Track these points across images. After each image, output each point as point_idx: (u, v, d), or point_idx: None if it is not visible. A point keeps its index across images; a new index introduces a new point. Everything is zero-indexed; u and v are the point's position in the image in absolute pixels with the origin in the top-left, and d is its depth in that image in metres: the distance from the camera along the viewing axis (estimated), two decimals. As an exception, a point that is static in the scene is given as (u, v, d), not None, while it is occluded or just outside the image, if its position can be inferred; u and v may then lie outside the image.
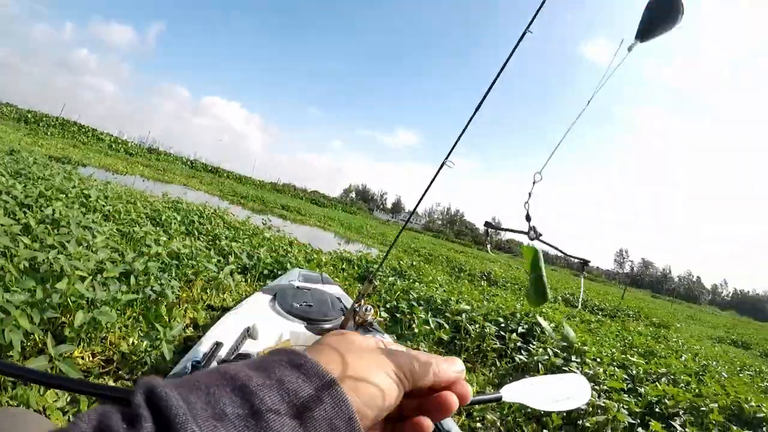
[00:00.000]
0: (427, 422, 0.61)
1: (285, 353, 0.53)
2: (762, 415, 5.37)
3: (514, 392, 1.82)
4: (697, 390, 6.17)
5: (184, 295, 5.74)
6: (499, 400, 1.63)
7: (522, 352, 6.59)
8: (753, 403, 5.62)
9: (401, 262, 14.40)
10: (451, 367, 0.66)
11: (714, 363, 10.35)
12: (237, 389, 0.46)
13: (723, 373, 8.84)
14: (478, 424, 4.69)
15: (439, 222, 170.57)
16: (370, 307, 2.77)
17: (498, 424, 4.68)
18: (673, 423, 4.90)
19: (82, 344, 3.81)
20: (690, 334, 20.74)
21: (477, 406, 4.80)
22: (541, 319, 1.30)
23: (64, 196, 8.11)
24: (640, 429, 4.65)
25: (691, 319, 38.79)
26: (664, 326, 20.70)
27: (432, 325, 6.67)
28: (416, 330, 6.57)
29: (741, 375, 9.83)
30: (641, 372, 6.58)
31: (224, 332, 2.77)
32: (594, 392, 5.10)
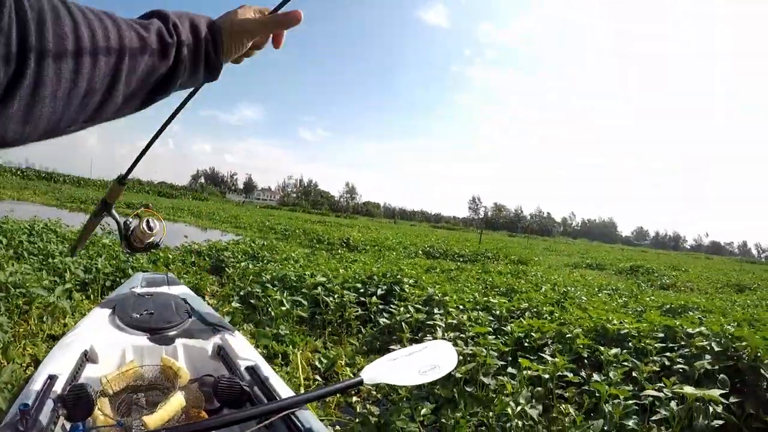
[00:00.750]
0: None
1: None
2: (625, 330, 5.57)
3: (376, 372, 1.66)
4: (560, 318, 6.34)
5: (21, 329, 5.24)
6: (360, 384, 1.46)
7: (384, 314, 6.49)
8: (615, 322, 5.83)
9: (253, 243, 14.06)
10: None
11: (573, 289, 10.79)
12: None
13: (582, 297, 9.22)
14: (354, 398, 4.60)
15: (294, 195, 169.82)
16: (150, 219, 2.04)
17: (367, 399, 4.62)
18: (543, 355, 4.97)
19: None
20: (548, 266, 21.67)
21: (338, 394, 4.74)
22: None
23: None
24: (510, 368, 4.70)
25: (548, 250, 40.75)
26: (523, 263, 21.49)
27: (288, 305, 6.49)
28: (273, 313, 6.37)
29: (600, 295, 10.39)
30: (504, 311, 6.69)
31: (59, 362, 2.45)
32: (460, 341, 5.11)
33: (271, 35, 1.05)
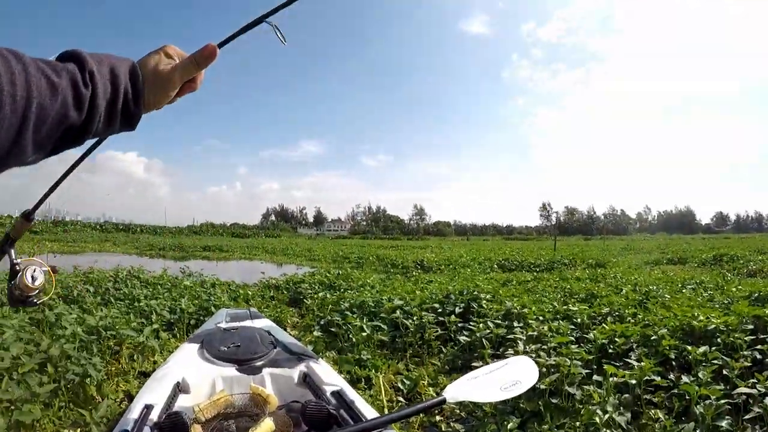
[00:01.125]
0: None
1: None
2: (712, 326, 5.38)
3: (458, 391, 1.70)
4: (644, 320, 6.21)
5: (114, 368, 5.49)
6: (443, 403, 1.50)
7: (464, 332, 6.48)
8: (701, 318, 5.63)
9: (329, 273, 14.21)
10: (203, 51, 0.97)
11: (655, 287, 10.49)
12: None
13: (665, 295, 8.96)
14: (438, 417, 4.60)
15: (364, 223, 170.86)
16: (36, 269, 1.61)
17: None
18: (628, 360, 4.88)
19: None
20: (627, 266, 21.22)
21: (422, 414, 4.75)
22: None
23: (-33, 301, 7.68)
24: (595, 376, 4.60)
25: (625, 250, 39.83)
26: (601, 265, 21.15)
27: (368, 330, 6.57)
28: (354, 339, 6.44)
29: (683, 291, 10.04)
30: (585, 318, 6.59)
31: (154, 393, 2.58)
32: (543, 352, 5.06)
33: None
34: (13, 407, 3.75)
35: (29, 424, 3.66)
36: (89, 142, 0.92)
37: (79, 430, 3.55)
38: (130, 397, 4.82)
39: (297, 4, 1.15)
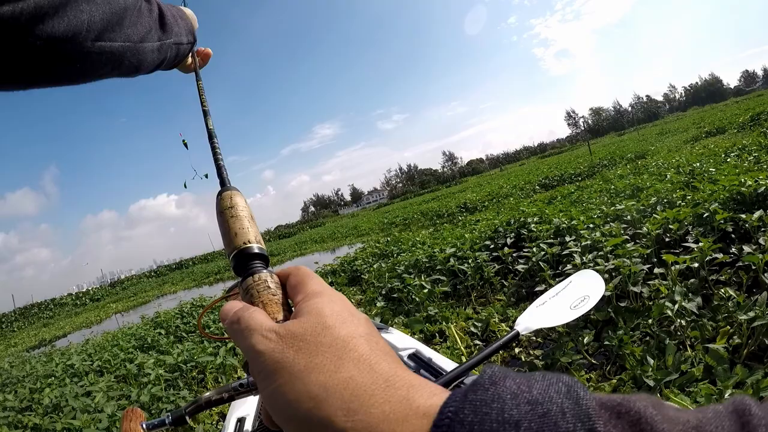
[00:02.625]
0: None
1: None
2: (762, 189, 5.31)
3: (529, 321, 1.74)
4: (694, 200, 6.14)
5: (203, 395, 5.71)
6: (517, 336, 1.55)
7: (520, 260, 6.52)
8: (749, 183, 5.55)
9: (378, 243, 14.27)
10: None
11: (698, 164, 10.38)
12: None
13: (711, 169, 8.84)
14: (516, 350, 4.65)
15: (400, 185, 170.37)
16: None
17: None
18: (686, 244, 4.86)
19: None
20: (667, 150, 20.90)
21: (500, 352, 4.79)
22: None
23: (53, 378, 7.97)
24: (657, 269, 4.58)
25: (661, 134, 39.22)
26: (641, 156, 20.88)
27: (428, 286, 6.62)
28: (417, 298, 6.51)
29: (728, 161, 9.87)
30: (634, 213, 6.54)
31: (243, 406, 2.72)
32: (600, 259, 5.06)
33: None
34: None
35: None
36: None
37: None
38: (223, 416, 5.01)
39: None
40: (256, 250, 0.63)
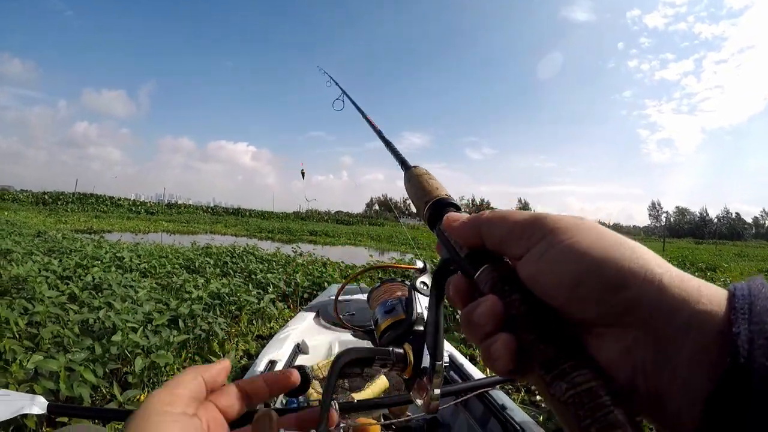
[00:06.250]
0: None
1: None
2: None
3: None
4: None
5: (233, 330, 5.95)
6: None
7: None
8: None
9: (435, 261, 14.30)
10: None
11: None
12: None
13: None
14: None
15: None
16: None
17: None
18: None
19: (145, 389, 4.00)
20: (740, 272, 20.46)
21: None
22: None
23: (99, 262, 8.35)
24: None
25: (739, 256, 38.09)
26: (711, 269, 20.49)
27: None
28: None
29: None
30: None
31: (276, 351, 2.91)
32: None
33: None
34: (149, 353, 4.21)
35: (161, 367, 4.13)
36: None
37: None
38: (249, 356, 5.26)
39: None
40: (454, 201, 0.69)
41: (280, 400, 2.26)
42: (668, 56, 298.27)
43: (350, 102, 1.22)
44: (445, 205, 0.68)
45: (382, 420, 2.16)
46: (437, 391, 0.63)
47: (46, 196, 53.53)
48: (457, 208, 0.67)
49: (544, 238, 0.46)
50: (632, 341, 0.39)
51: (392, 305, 1.22)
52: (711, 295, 0.38)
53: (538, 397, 4.75)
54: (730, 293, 0.38)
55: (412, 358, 0.85)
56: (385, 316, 1.16)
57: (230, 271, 9.50)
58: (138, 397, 3.59)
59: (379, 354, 0.78)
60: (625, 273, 0.40)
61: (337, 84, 1.35)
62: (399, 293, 1.12)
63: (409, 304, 1.05)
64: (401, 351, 0.85)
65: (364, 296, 3.72)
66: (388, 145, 0.97)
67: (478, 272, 0.52)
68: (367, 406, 1.87)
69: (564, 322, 0.44)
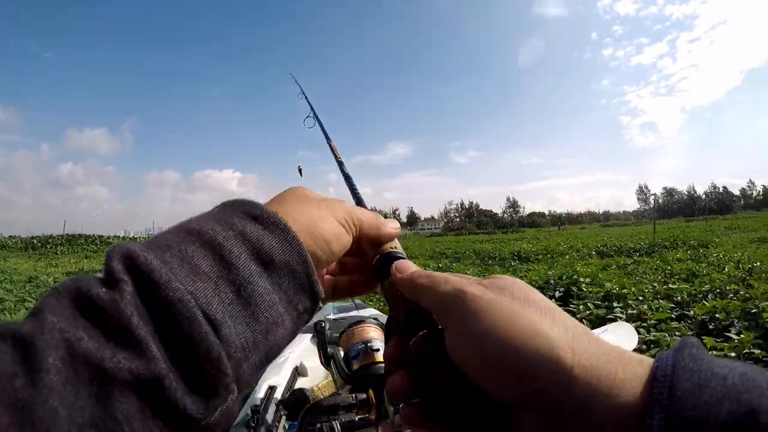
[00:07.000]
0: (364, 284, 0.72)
1: (241, 204, 0.57)
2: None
3: None
4: (745, 295, 6.17)
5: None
6: None
7: (565, 314, 6.55)
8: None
9: (427, 268, 14.30)
10: (389, 224, 0.70)
11: (759, 264, 10.31)
12: (205, 244, 0.50)
13: (769, 270, 8.78)
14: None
15: (458, 219, 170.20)
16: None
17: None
18: (728, 334, 4.90)
19: None
20: (731, 245, 20.56)
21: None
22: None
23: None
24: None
25: (729, 229, 38.29)
26: (703, 245, 20.58)
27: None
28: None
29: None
30: (686, 296, 6.59)
31: (275, 376, 2.88)
32: (642, 329, 5.13)
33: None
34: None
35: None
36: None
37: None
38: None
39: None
40: (401, 254, 0.68)
41: (283, 425, 2.21)
42: (642, 41, 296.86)
43: (317, 122, 1.14)
44: (393, 258, 0.66)
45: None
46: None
47: (35, 240, 53.03)
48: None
49: (462, 317, 0.48)
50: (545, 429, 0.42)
51: (358, 351, 1.26)
52: (630, 379, 0.39)
53: None
54: (650, 375, 0.38)
55: (374, 401, 0.87)
56: (351, 361, 1.32)
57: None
58: None
59: (342, 402, 0.80)
60: (533, 365, 0.41)
61: (306, 99, 1.23)
62: (369, 334, 1.18)
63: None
64: (364, 396, 0.87)
65: (359, 313, 3.70)
66: (347, 179, 0.92)
67: (413, 339, 0.56)
68: None
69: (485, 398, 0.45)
